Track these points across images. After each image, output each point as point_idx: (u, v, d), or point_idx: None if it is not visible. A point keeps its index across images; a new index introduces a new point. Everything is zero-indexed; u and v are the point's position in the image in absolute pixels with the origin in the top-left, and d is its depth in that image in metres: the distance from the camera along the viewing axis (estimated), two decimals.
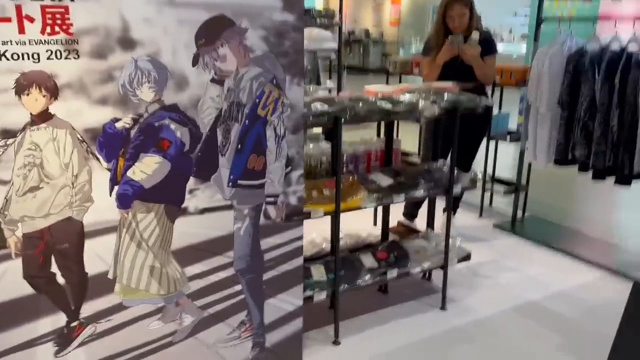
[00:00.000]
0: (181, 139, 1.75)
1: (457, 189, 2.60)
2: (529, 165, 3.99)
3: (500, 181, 4.33)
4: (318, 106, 2.19)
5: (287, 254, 2.12)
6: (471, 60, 3.25)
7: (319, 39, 3.93)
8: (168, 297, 1.87)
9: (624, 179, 3.10)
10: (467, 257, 2.79)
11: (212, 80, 1.77)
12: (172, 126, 1.72)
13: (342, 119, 2.16)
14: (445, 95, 2.48)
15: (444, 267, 2.68)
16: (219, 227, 1.93)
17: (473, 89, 3.21)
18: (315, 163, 2.55)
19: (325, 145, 2.60)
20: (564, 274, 3.15)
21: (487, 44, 3.32)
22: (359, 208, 2.32)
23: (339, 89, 4.63)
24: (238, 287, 2.03)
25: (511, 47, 11.71)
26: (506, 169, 4.64)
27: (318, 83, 6.22)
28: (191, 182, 1.82)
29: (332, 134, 2.28)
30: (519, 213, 4.04)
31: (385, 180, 2.51)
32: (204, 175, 1.86)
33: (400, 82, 4.99)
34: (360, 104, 2.28)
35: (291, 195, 2.04)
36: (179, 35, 1.66)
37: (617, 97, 3.04)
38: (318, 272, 2.44)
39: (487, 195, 4.30)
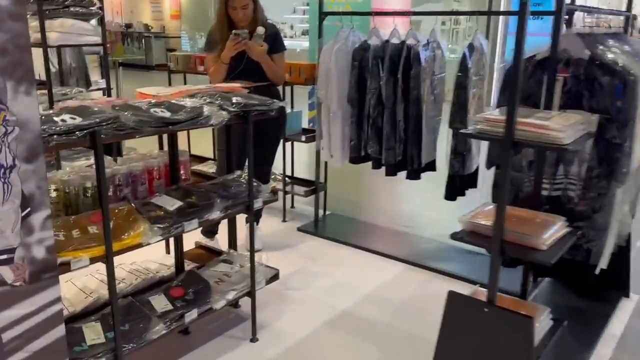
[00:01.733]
0: None
1: (258, 204, 2.30)
2: (326, 163, 3.94)
3: (300, 181, 4.21)
4: (66, 120, 1.64)
5: (41, 326, 1.55)
6: (258, 58, 2.99)
7: (75, 32, 3.24)
8: None
9: (414, 174, 3.19)
10: (275, 277, 2.53)
11: None
12: None
13: (102, 135, 1.66)
14: (233, 98, 2.14)
15: (252, 293, 2.36)
16: None
17: (264, 89, 2.96)
18: (77, 191, 1.99)
19: (88, 167, 2.05)
20: (369, 274, 3.13)
21: (275, 41, 3.10)
22: (140, 246, 1.85)
23: (109, 91, 3.97)
24: None
25: (294, 43, 12.08)
26: (304, 168, 4.56)
27: (87, 83, 5.37)
28: None
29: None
30: (321, 212, 3.98)
31: (172, 204, 2.08)
32: None
33: (185, 81, 4.52)
34: (128, 114, 1.80)
35: (35, 246, 1.48)
36: None
37: (401, 92, 3.10)
38: (93, 333, 1.90)
39: (289, 197, 4.16)
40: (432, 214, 4.26)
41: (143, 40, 15.68)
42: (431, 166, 3.28)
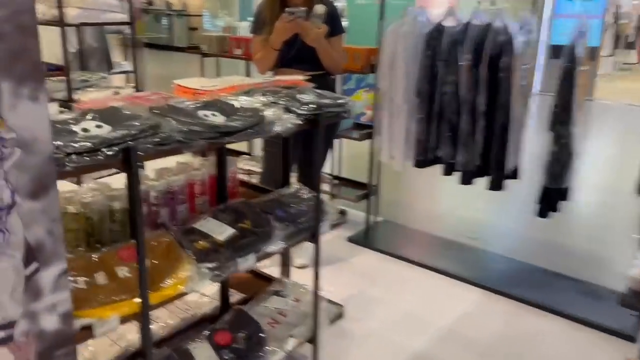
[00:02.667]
0: None
1: (324, 228, 1.85)
2: (379, 163, 3.47)
3: (347, 182, 3.76)
4: (90, 129, 1.21)
5: None
6: (314, 43, 2.51)
7: (98, 8, 2.80)
8: None
9: (497, 183, 2.70)
10: (339, 316, 2.09)
11: None
12: None
13: (139, 153, 1.22)
14: (301, 96, 1.68)
15: (314, 340, 1.93)
16: None
17: (320, 79, 2.50)
18: (101, 215, 1.56)
19: (116, 183, 1.62)
20: (442, 301, 2.68)
21: (334, 21, 2.62)
22: (184, 294, 1.42)
23: (136, 76, 3.54)
24: None
25: None
26: (349, 166, 4.09)
27: (109, 66, 4.98)
28: None
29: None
30: (371, 218, 3.52)
31: (221, 231, 1.64)
32: None
33: (218, 67, 4.07)
34: (171, 120, 1.35)
35: (45, 314, 1.06)
36: None
37: (486, 84, 2.60)
38: None
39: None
40: (499, 223, 3.79)
41: (165, 18, 15.21)
42: (514, 173, 2.79)
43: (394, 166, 3.08)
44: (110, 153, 1.16)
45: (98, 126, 1.25)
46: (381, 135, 3.09)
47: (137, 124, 1.27)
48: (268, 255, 1.66)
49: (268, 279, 2.27)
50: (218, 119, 1.46)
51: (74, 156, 1.09)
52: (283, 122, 1.53)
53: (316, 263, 1.88)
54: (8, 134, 0.93)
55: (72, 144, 1.11)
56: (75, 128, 1.22)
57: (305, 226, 1.80)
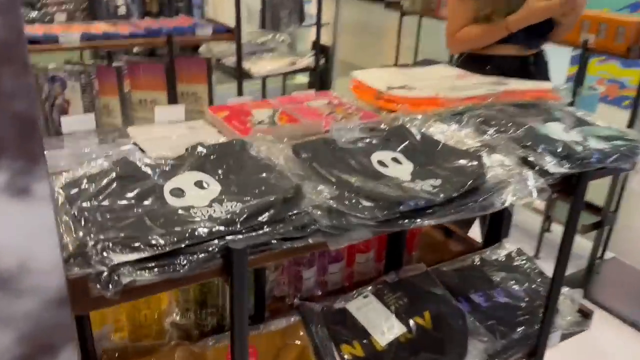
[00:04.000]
0: None
1: (554, 340, 1.18)
2: (623, 184, 2.55)
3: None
4: (188, 191, 0.72)
5: None
6: (569, 19, 1.75)
7: None
8: None
9: None
10: None
11: None
12: None
13: (253, 256, 0.69)
14: (551, 129, 0.98)
15: None
16: None
17: (542, 63, 1.83)
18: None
19: None
20: None
21: None
22: None
23: (318, 30, 3.04)
24: None
25: None
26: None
27: (301, 18, 4.63)
28: None
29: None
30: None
31: (386, 327, 1.09)
32: None
33: (419, 29, 3.40)
34: (321, 181, 0.80)
35: None
36: None
37: None
38: None
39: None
40: None
41: None
42: None
43: None
44: (200, 256, 0.65)
45: (199, 184, 0.75)
46: None
47: (264, 189, 0.74)
48: None
49: None
50: (403, 172, 0.87)
51: (129, 269, 0.60)
52: (516, 188, 0.87)
53: None
54: None
55: (130, 242, 0.62)
56: (165, 185, 0.74)
57: (520, 334, 1.14)
